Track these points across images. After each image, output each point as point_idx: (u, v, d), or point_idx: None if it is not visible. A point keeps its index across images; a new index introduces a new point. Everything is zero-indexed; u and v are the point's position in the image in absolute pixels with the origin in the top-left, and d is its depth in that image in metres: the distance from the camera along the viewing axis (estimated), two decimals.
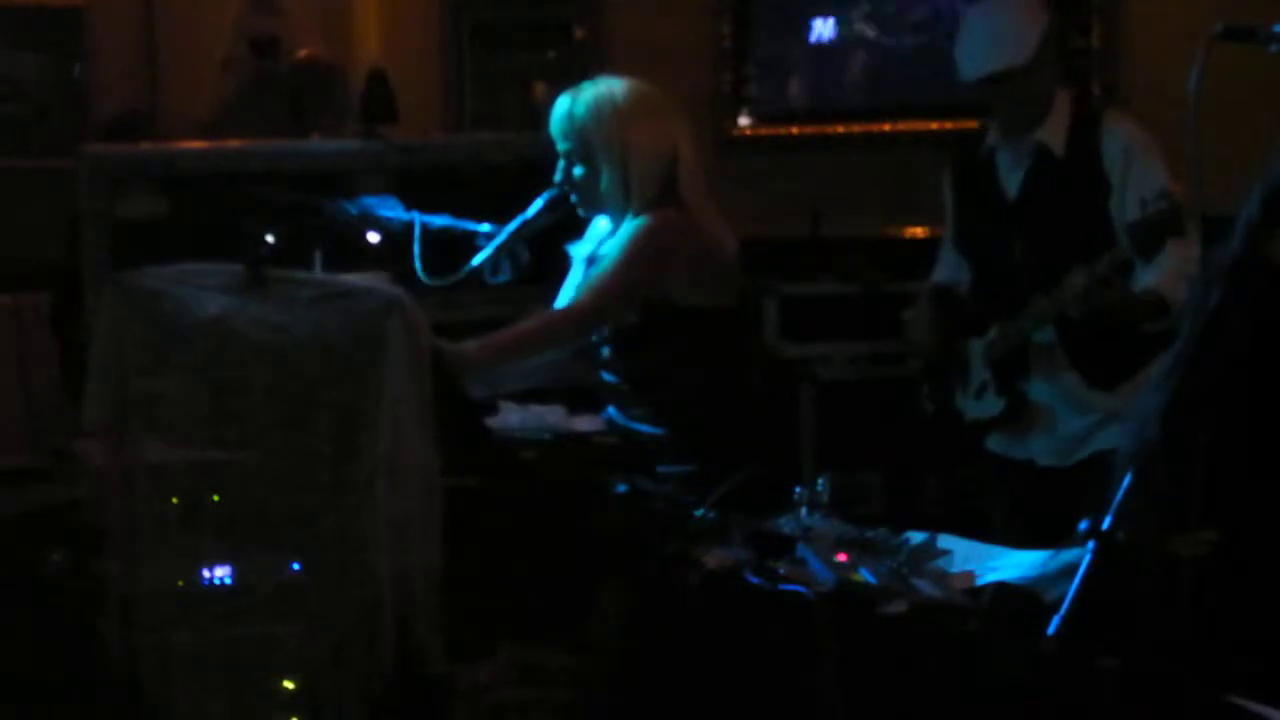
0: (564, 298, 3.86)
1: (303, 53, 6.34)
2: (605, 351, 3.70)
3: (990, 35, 3.78)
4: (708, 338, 3.70)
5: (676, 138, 3.72)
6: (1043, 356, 3.84)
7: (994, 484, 4.09)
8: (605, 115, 3.67)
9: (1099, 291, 3.53)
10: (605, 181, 3.68)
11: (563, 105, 3.71)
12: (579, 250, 3.85)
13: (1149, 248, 3.44)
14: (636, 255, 3.63)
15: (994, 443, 4.02)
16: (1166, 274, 3.62)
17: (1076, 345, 3.80)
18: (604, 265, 3.65)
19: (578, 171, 3.70)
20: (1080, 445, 3.85)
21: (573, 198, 3.74)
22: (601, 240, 3.80)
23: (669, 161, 3.69)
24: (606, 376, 3.73)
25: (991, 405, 3.95)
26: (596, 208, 3.75)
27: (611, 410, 3.70)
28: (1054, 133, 3.82)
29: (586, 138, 3.67)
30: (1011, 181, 3.91)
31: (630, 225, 3.66)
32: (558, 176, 3.73)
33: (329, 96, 6.00)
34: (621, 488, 3.33)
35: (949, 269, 4.17)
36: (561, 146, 3.72)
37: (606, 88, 3.71)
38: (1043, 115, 3.82)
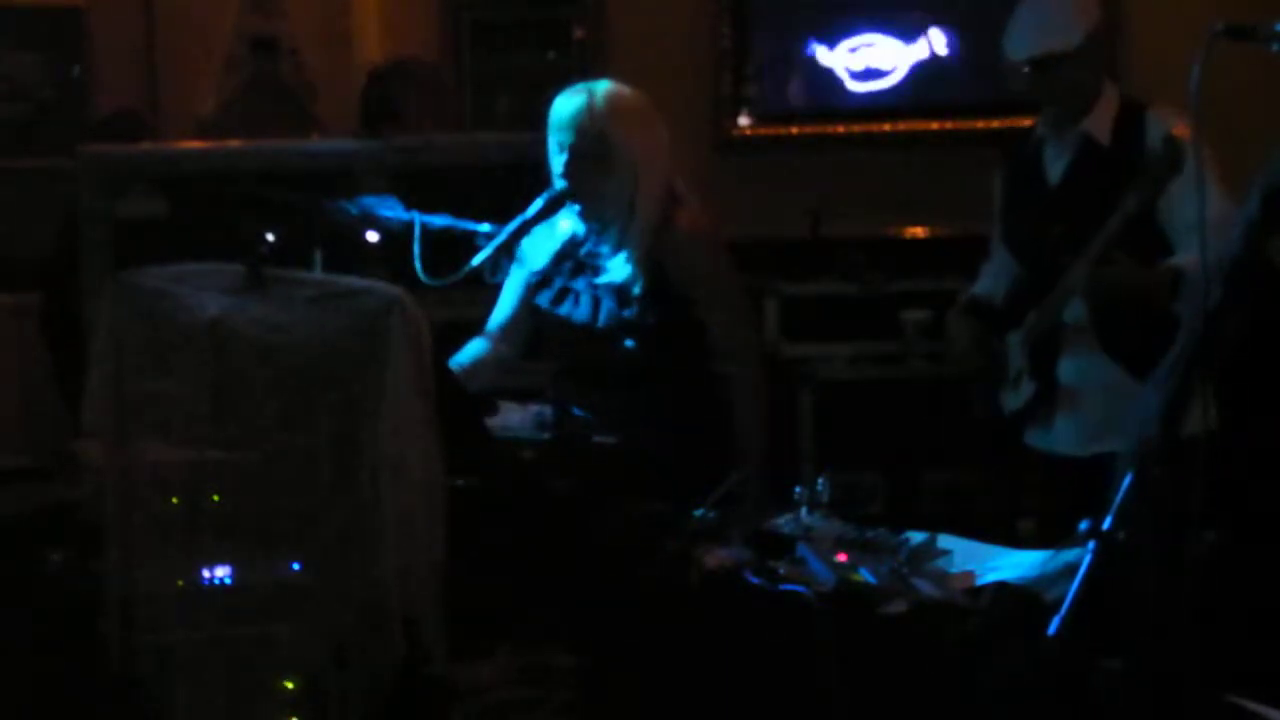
0: (506, 300, 3.90)
1: (392, 58, 6.30)
2: (629, 344, 3.70)
3: (1040, 18, 3.84)
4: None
5: (668, 149, 3.77)
6: (1073, 335, 3.87)
7: (1030, 479, 4.13)
8: (626, 115, 3.68)
9: (1104, 270, 3.59)
10: (615, 183, 3.68)
11: (577, 100, 3.69)
12: (536, 252, 3.85)
13: (1154, 183, 3.53)
14: (720, 265, 3.74)
15: (1030, 437, 4.05)
16: (1193, 256, 3.65)
17: (1108, 326, 3.82)
18: (714, 300, 3.72)
19: (587, 169, 3.69)
20: (1100, 435, 3.83)
21: (571, 197, 3.73)
22: (576, 242, 3.79)
23: (669, 171, 3.74)
24: (587, 373, 3.73)
25: (1026, 391, 3.97)
26: (597, 208, 3.74)
27: (579, 411, 3.70)
28: (1100, 123, 3.87)
29: (607, 136, 3.67)
30: (1055, 169, 3.95)
31: (689, 251, 3.70)
32: (560, 170, 3.71)
33: (433, 98, 5.97)
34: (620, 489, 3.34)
35: (990, 277, 4.18)
36: (569, 140, 3.70)
37: (618, 89, 3.72)
38: (1089, 107, 3.86)
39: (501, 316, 3.92)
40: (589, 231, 3.78)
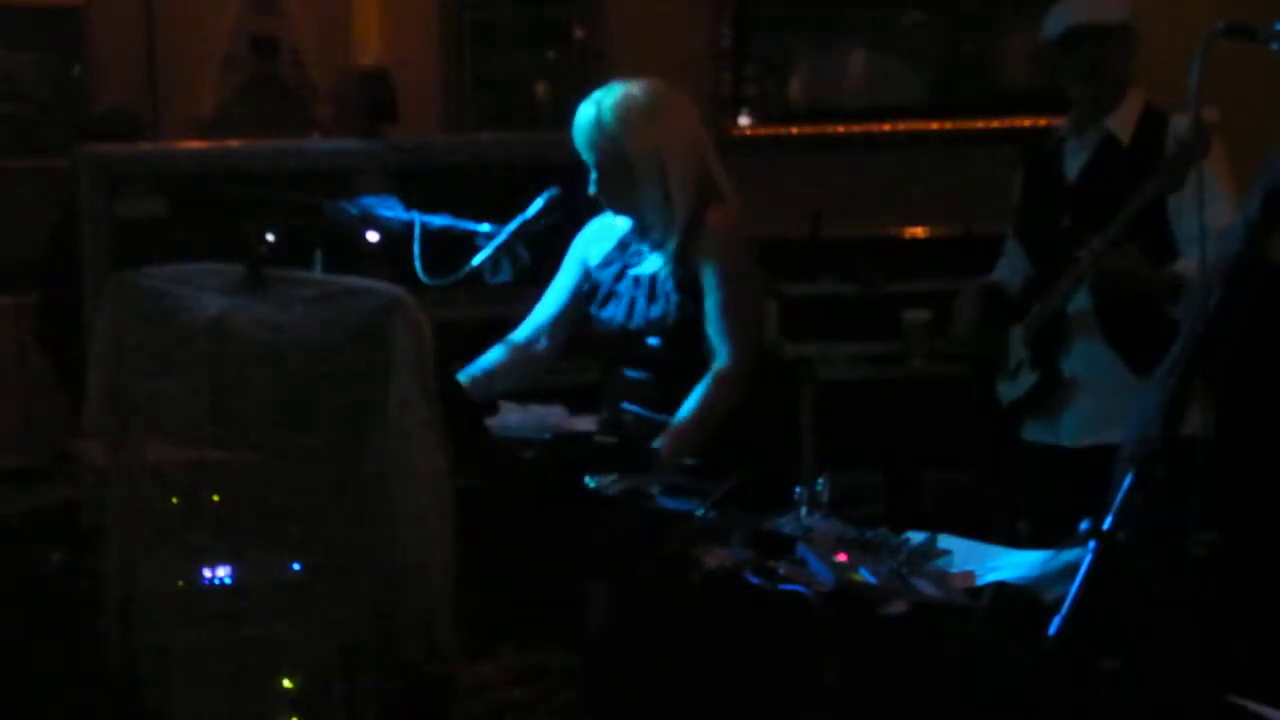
0: (554, 296, 3.90)
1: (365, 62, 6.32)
2: (653, 342, 3.70)
3: None
4: None
5: (701, 133, 3.76)
6: (1078, 324, 3.88)
7: (1027, 473, 4.14)
8: (637, 121, 3.67)
9: (1114, 253, 3.61)
10: (644, 189, 3.68)
11: (588, 115, 3.69)
12: (591, 250, 3.86)
13: (1180, 165, 3.54)
14: (739, 269, 3.70)
15: (1028, 430, 4.05)
16: (1193, 260, 3.67)
17: (1111, 316, 3.83)
18: (720, 300, 3.66)
19: (613, 181, 3.69)
20: (1100, 426, 3.84)
21: (609, 208, 3.76)
22: (624, 244, 3.80)
23: (701, 159, 3.73)
24: (631, 373, 3.75)
25: (1025, 381, 3.98)
26: (634, 214, 3.76)
27: (633, 406, 3.73)
28: (1122, 123, 3.92)
29: (621, 147, 3.66)
30: (1073, 165, 3.99)
31: (710, 248, 3.68)
32: (592, 189, 3.72)
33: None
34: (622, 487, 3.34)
35: (1004, 270, 4.21)
36: (591, 158, 3.70)
37: (627, 93, 3.70)
38: (1114, 101, 3.91)
39: (546, 314, 3.92)
40: (634, 232, 3.80)
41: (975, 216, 5.79)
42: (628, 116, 3.67)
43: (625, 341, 3.76)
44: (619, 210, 3.76)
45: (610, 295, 3.80)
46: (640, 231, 3.78)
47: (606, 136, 3.66)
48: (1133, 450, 2.44)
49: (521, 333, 3.93)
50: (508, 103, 6.60)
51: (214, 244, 3.25)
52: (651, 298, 3.71)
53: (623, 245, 3.82)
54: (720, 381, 3.64)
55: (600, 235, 3.89)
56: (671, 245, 3.70)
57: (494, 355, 3.89)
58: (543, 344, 3.92)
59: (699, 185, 3.72)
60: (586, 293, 3.87)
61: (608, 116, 3.66)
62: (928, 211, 6.34)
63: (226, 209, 4.61)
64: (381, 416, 2.86)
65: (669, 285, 3.69)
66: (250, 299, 3.04)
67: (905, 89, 6.62)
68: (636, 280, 3.75)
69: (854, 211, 6.36)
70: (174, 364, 3.08)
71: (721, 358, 3.66)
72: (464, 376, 3.74)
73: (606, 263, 3.84)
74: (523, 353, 3.91)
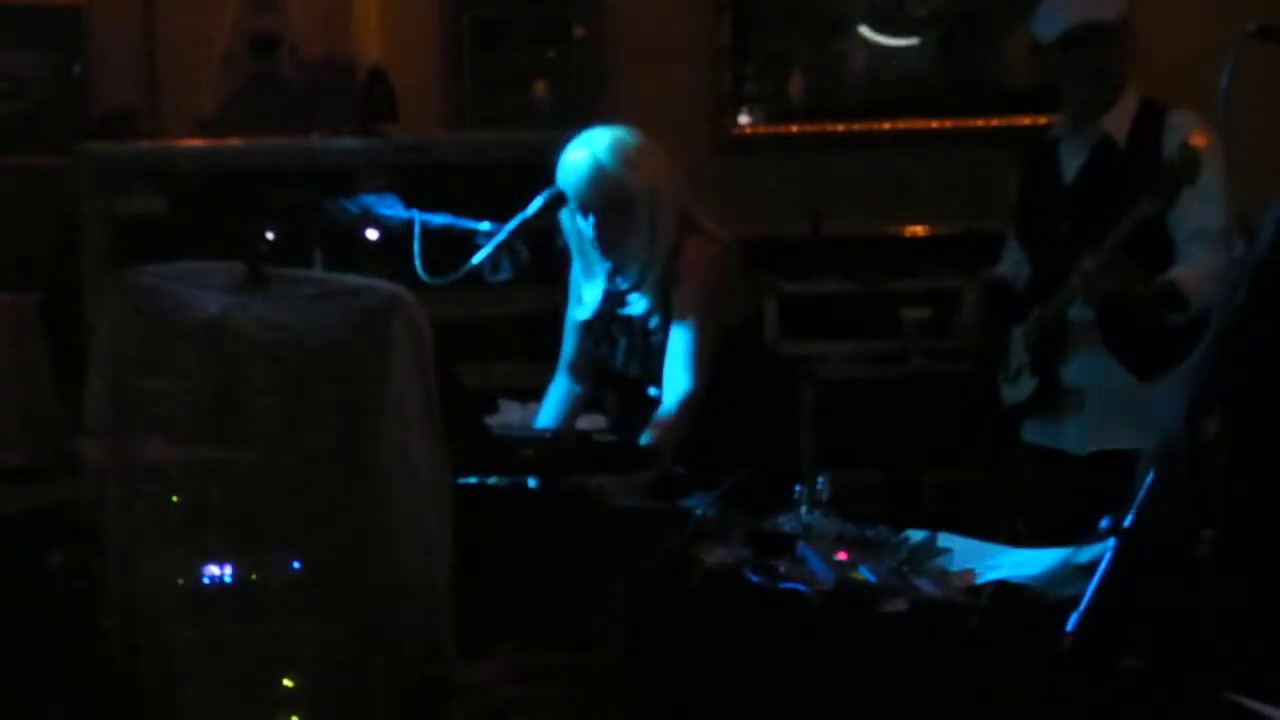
0: (564, 360, 3.95)
1: (314, 52, 6.33)
2: (653, 392, 3.73)
3: None
4: (742, 348, 3.73)
5: (680, 174, 3.76)
6: (1079, 334, 3.87)
7: (1026, 473, 4.14)
8: (635, 159, 3.68)
9: (1107, 274, 3.60)
10: (639, 226, 3.69)
11: (585, 162, 3.69)
12: (579, 313, 3.88)
13: (1169, 191, 3.51)
14: (708, 302, 3.69)
15: (1028, 431, 4.05)
16: (1191, 269, 3.67)
17: (1112, 325, 3.83)
18: (690, 333, 3.66)
19: (614, 223, 3.70)
20: (1101, 433, 3.84)
21: (605, 253, 3.75)
22: (609, 286, 3.80)
23: (682, 198, 3.74)
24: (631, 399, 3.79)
25: (1025, 386, 3.98)
26: (621, 255, 3.76)
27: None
28: (1119, 123, 3.87)
29: (624, 186, 3.67)
30: (1070, 167, 3.96)
31: (685, 281, 3.69)
32: (591, 233, 3.72)
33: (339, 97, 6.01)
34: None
35: (1007, 267, 4.21)
36: (592, 202, 3.69)
37: (615, 137, 3.72)
38: (1112, 100, 3.87)
39: (568, 357, 3.96)
40: (614, 270, 3.80)
41: (975, 215, 5.78)
42: (627, 156, 3.68)
43: (624, 383, 3.80)
44: (613, 254, 3.75)
45: (605, 337, 3.83)
46: (617, 270, 3.79)
47: (611, 177, 3.66)
48: (1155, 449, 2.43)
49: (561, 377, 3.98)
50: (508, 103, 6.60)
51: (214, 243, 3.25)
52: (647, 348, 3.73)
53: (612, 286, 3.83)
54: (685, 406, 3.64)
55: (588, 279, 3.88)
56: (652, 281, 3.71)
57: (559, 397, 3.96)
58: (576, 388, 3.98)
59: (679, 223, 3.73)
60: (585, 332, 3.90)
61: (607, 158, 3.67)
62: (928, 210, 6.34)
63: (226, 208, 4.62)
64: (381, 414, 2.87)
65: (662, 335, 3.70)
66: (250, 297, 3.04)
67: (905, 88, 6.62)
68: (628, 323, 3.77)
69: (854, 210, 6.35)
70: (174, 363, 3.08)
71: (685, 384, 3.65)
72: (548, 422, 3.85)
73: (601, 304, 3.85)
74: (570, 390, 3.97)
